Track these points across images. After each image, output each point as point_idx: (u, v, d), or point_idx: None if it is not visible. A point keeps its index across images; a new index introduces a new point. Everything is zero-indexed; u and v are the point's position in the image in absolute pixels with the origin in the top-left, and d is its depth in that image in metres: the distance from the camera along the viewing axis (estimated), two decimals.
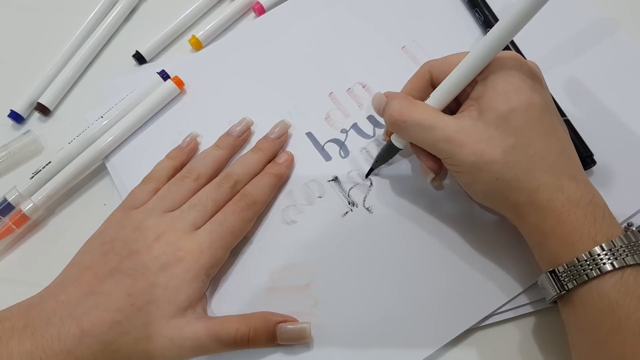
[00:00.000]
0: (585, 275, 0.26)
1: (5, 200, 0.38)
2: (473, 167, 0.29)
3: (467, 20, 0.42)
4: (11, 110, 0.43)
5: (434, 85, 0.33)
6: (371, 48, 0.42)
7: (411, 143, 0.33)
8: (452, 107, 0.33)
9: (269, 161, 0.38)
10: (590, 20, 0.42)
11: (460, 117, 0.30)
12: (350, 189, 0.37)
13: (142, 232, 0.33)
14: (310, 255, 0.35)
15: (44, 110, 0.43)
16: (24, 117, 0.43)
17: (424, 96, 0.33)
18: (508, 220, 0.31)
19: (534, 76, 0.31)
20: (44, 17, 0.48)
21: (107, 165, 0.40)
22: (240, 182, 0.36)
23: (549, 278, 0.28)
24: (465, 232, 0.35)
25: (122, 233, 0.33)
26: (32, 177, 0.39)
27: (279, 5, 0.45)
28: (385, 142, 0.36)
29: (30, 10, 0.48)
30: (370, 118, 0.39)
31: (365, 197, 0.37)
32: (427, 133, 0.30)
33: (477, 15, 0.42)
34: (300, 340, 0.32)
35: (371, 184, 0.37)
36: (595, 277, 0.26)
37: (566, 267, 0.27)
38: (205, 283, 0.33)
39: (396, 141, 0.34)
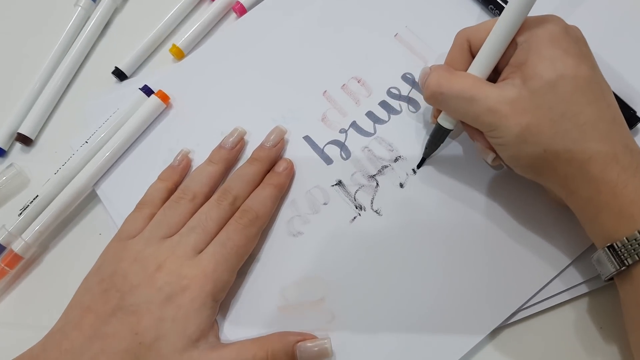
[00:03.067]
0: None
1: None
2: (518, 139, 0.27)
3: (458, 0, 0.40)
4: None
5: (473, 54, 0.30)
6: (362, 39, 0.40)
7: (462, 122, 0.31)
8: (490, 77, 0.30)
9: (268, 171, 0.36)
10: None
11: (502, 86, 0.28)
12: (356, 192, 0.35)
13: (142, 263, 0.31)
14: (322, 267, 0.33)
15: (25, 140, 0.41)
16: (5, 149, 0.41)
17: (466, 66, 0.31)
18: (551, 194, 0.30)
19: (578, 40, 0.29)
20: (14, 43, 0.45)
21: (98, 192, 0.38)
22: (240, 198, 0.34)
23: (607, 254, 0.27)
24: (488, 221, 0.33)
25: (120, 266, 0.31)
26: (21, 213, 0.37)
27: (260, 3, 0.43)
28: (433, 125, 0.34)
29: None
30: (369, 114, 0.37)
31: (373, 199, 0.35)
32: (468, 105, 0.28)
33: None
34: (321, 358, 0.31)
35: (377, 184, 0.35)
36: None
37: (626, 242, 0.26)
38: (214, 309, 0.31)
39: (444, 121, 0.32)
